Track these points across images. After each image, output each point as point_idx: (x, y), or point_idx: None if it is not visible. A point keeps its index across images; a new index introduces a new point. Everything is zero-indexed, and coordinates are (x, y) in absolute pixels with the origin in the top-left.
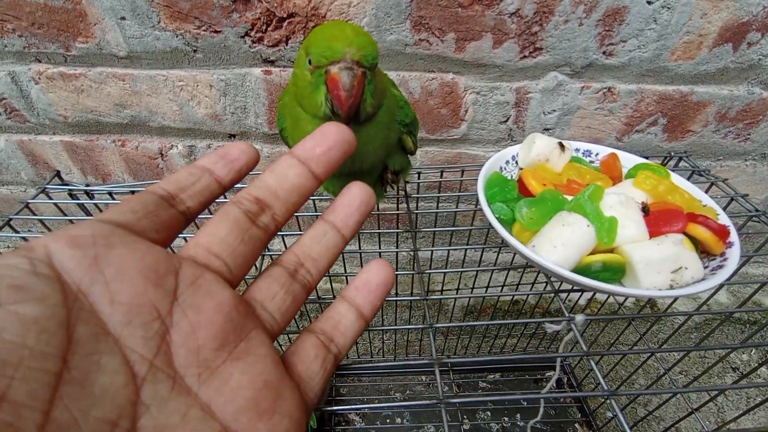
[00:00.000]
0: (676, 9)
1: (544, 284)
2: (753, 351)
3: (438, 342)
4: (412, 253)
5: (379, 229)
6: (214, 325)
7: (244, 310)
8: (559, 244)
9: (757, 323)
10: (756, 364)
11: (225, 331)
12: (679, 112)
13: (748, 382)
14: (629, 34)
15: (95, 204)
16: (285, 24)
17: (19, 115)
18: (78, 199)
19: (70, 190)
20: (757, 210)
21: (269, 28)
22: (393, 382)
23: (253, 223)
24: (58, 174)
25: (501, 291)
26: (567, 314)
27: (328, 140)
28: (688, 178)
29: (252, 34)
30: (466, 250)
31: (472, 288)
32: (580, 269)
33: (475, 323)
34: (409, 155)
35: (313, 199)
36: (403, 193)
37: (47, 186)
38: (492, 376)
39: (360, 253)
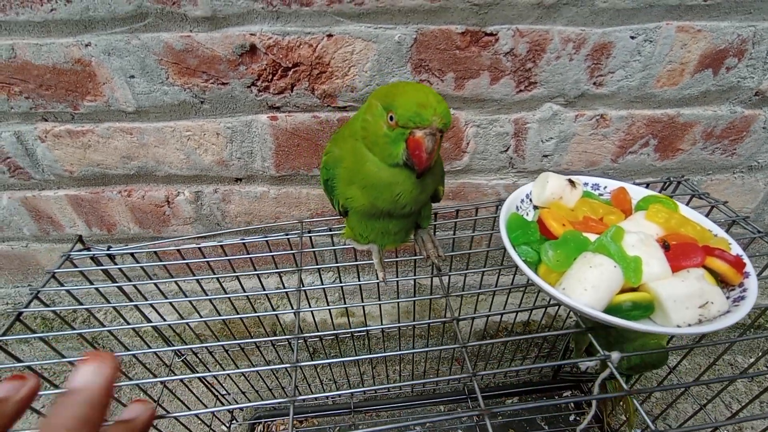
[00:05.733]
0: (657, 42)
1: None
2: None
3: (454, 369)
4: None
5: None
6: None
7: None
8: (589, 287)
9: (760, 327)
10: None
11: None
12: (669, 133)
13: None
14: (616, 65)
15: (120, 269)
16: (290, 73)
17: (24, 173)
18: (101, 263)
19: (93, 255)
20: (759, 231)
21: (275, 78)
22: (411, 414)
23: None
24: (80, 239)
25: (515, 317)
26: (602, 352)
27: None
28: (688, 202)
29: (258, 83)
30: (482, 273)
31: (487, 316)
32: (611, 309)
33: (517, 368)
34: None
35: (335, 247)
36: (434, 269)
37: (71, 253)
38: (510, 401)
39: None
